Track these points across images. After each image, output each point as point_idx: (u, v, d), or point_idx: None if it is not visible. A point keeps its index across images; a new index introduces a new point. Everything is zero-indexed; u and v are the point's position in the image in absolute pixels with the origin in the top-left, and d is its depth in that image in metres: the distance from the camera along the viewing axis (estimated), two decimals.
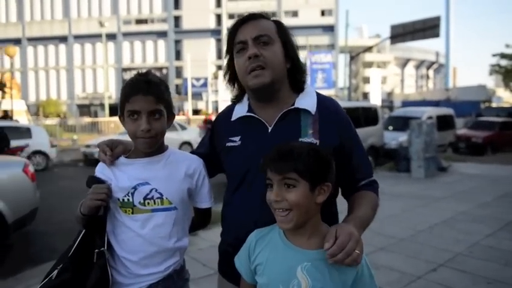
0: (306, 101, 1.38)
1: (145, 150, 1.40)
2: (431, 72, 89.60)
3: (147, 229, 1.38)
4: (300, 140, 1.31)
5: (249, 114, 1.40)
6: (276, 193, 1.12)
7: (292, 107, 1.37)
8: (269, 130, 1.36)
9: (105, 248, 1.35)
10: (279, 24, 1.41)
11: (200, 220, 1.60)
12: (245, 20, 1.38)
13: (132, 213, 1.38)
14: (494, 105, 39.85)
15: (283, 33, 1.39)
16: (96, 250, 1.34)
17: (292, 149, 1.14)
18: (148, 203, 1.38)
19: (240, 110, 1.44)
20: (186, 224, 1.49)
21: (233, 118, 1.45)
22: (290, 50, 1.39)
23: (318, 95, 1.44)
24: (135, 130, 1.35)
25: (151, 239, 1.38)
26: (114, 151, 1.44)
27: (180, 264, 1.49)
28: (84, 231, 1.39)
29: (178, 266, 1.48)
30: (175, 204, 1.41)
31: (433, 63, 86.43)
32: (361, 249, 1.10)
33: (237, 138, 1.41)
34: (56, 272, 1.32)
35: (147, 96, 1.33)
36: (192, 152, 1.62)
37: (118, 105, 1.42)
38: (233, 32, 1.39)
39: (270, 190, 1.15)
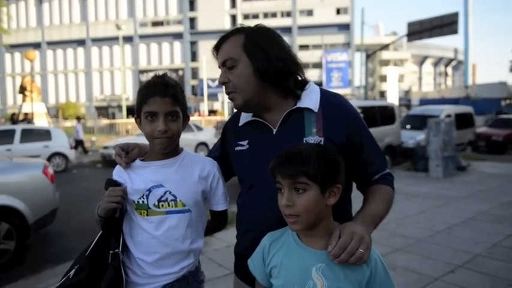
0: (308, 100, 1.38)
1: (161, 151, 1.42)
2: (449, 70, 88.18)
3: (162, 231, 1.40)
4: (305, 139, 1.31)
5: (254, 118, 1.43)
6: (287, 198, 1.11)
7: (295, 107, 1.37)
8: (274, 132, 1.37)
9: (120, 249, 1.38)
10: (248, 34, 1.35)
11: (217, 222, 1.62)
12: (218, 44, 1.39)
13: (147, 215, 1.41)
14: None
15: (250, 45, 1.33)
16: (111, 251, 1.38)
17: (300, 152, 1.13)
18: (162, 205, 1.40)
19: (247, 115, 1.47)
20: (200, 226, 1.51)
21: (240, 123, 1.48)
22: (259, 61, 1.32)
23: (322, 92, 1.43)
24: (152, 131, 1.38)
25: (165, 241, 1.40)
26: (129, 154, 1.47)
27: (195, 265, 1.51)
28: (101, 232, 1.43)
29: (193, 268, 1.50)
30: (189, 206, 1.43)
31: (451, 60, 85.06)
32: (365, 247, 1.10)
33: (245, 142, 1.44)
34: (73, 271, 1.36)
35: (164, 98, 1.36)
36: (207, 155, 1.65)
37: (136, 107, 1.45)
38: (216, 55, 1.42)
39: (280, 195, 1.15)
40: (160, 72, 1.46)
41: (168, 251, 1.41)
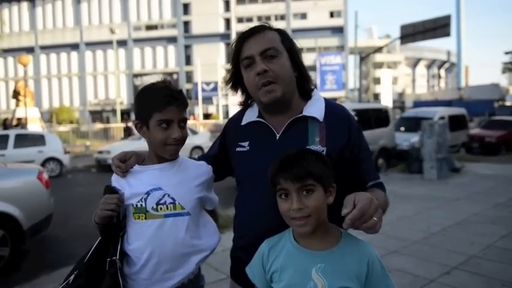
0: (314, 109, 1.39)
1: (171, 156, 1.44)
2: (442, 72, 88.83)
3: (160, 234, 1.40)
4: (307, 147, 1.33)
5: (258, 119, 1.42)
6: (298, 201, 1.13)
7: (300, 114, 1.38)
8: (277, 137, 1.38)
9: (117, 256, 1.38)
10: (282, 33, 1.41)
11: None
12: (249, 34, 1.38)
13: (145, 218, 1.40)
14: (508, 103, 39.33)
15: (288, 41, 1.40)
16: (109, 259, 1.38)
17: (303, 156, 1.16)
18: (161, 208, 1.40)
19: (250, 115, 1.47)
20: (202, 231, 1.50)
21: (243, 123, 1.48)
22: (296, 58, 1.40)
23: (327, 102, 1.45)
24: (165, 138, 1.39)
25: (163, 245, 1.40)
26: (127, 162, 1.47)
27: (194, 274, 1.50)
28: (99, 239, 1.43)
29: (192, 276, 1.49)
30: (188, 209, 1.43)
31: (444, 62, 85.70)
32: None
33: (245, 144, 1.44)
34: (72, 276, 1.37)
35: (179, 107, 1.40)
36: (202, 155, 1.68)
37: (139, 113, 1.44)
38: (238, 47, 1.39)
39: (284, 200, 1.16)
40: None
41: (167, 255, 1.40)
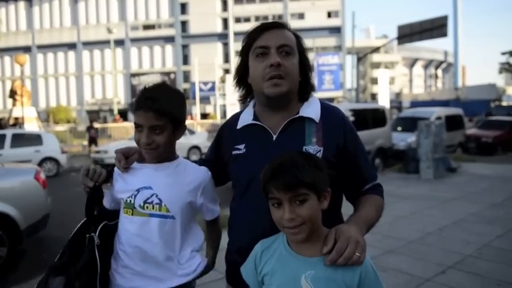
0: (310, 110, 1.41)
1: (149, 160, 1.48)
2: (440, 72, 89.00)
3: (143, 232, 1.44)
4: (304, 147, 1.33)
5: (254, 122, 1.43)
6: (290, 211, 1.10)
7: (297, 115, 1.39)
8: (273, 138, 1.38)
9: (97, 234, 1.43)
10: (298, 37, 1.44)
11: (212, 234, 1.67)
12: (269, 27, 1.40)
13: (132, 214, 1.45)
14: (504, 104, 39.47)
15: (301, 46, 1.44)
16: (87, 235, 1.44)
17: (294, 162, 1.12)
18: (147, 207, 1.44)
19: (246, 118, 1.47)
20: (187, 239, 1.51)
21: (238, 126, 1.47)
22: (305, 63, 1.44)
23: (322, 103, 1.47)
24: (138, 141, 1.44)
25: (146, 243, 1.43)
26: (129, 158, 1.51)
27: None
28: (83, 220, 1.49)
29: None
30: (173, 213, 1.45)
31: (441, 62, 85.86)
32: (361, 250, 1.12)
33: (242, 146, 1.43)
34: (58, 255, 1.45)
35: (147, 113, 1.39)
36: (201, 159, 1.68)
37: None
38: (254, 35, 1.40)
39: (276, 208, 1.13)
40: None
41: (150, 254, 1.43)
